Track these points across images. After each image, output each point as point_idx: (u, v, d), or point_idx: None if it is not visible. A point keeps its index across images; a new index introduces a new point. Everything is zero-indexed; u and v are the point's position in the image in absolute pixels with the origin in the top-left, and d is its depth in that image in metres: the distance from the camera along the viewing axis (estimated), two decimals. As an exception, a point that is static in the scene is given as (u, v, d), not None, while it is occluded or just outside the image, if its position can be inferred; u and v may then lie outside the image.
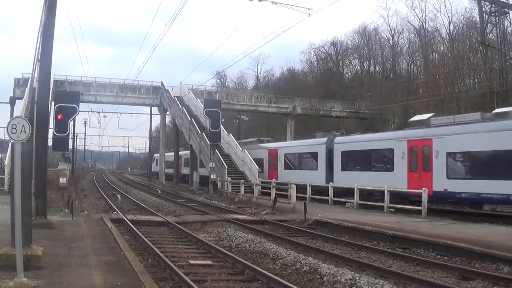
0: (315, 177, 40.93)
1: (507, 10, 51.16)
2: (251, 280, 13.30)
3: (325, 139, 42.21)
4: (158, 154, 78.93)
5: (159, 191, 51.57)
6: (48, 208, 22.97)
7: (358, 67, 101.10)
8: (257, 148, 53.54)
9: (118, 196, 42.59)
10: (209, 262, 15.55)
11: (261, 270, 13.55)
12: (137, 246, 18.10)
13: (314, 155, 43.15)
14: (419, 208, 28.00)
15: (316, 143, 43.30)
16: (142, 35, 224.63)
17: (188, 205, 35.38)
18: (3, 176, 38.50)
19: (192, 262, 15.36)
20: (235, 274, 14.04)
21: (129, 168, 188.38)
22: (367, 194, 33.82)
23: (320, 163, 41.82)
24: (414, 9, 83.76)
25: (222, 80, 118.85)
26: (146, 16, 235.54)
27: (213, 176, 48.24)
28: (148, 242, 17.70)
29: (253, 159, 49.33)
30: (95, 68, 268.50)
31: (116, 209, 29.89)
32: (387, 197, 30.40)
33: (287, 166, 47.97)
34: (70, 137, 46.74)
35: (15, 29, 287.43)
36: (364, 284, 12.45)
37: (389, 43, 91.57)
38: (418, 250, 18.47)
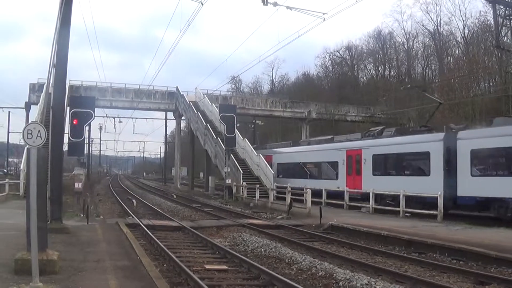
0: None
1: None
2: (267, 285, 13.30)
3: None
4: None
5: (175, 196, 51.81)
6: (64, 213, 23.04)
7: (373, 71, 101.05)
8: None
9: (134, 201, 42.66)
10: (224, 267, 15.55)
11: (277, 275, 13.53)
12: (153, 251, 18.12)
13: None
14: (435, 212, 27.88)
15: None
16: (148, 40, 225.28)
17: (204, 210, 35.41)
18: (18, 181, 38.64)
19: (207, 267, 15.34)
20: (251, 279, 14.03)
21: (144, 173, 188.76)
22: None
23: None
24: (428, 13, 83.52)
25: (237, 85, 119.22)
26: (152, 21, 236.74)
27: (228, 181, 48.22)
28: (164, 247, 17.70)
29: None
30: (103, 73, 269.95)
31: (132, 214, 29.93)
32: (402, 202, 30.29)
33: None
34: (85, 142, 46.75)
35: (27, 34, 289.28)
36: (380, 289, 12.44)
37: (404, 47, 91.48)
38: (434, 255, 18.41)
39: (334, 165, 42.28)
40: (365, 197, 35.46)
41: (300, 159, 48.53)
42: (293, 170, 49.47)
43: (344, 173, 40.37)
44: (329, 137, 47.47)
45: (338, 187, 38.89)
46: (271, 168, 50.06)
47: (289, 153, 51.57)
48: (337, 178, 41.12)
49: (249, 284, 13.44)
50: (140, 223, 24.73)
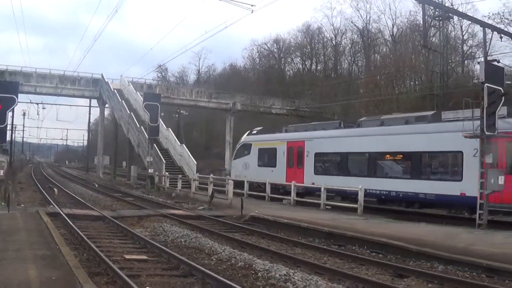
0: None
1: (451, 15, 52.41)
2: (186, 275, 13.35)
3: None
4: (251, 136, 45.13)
5: (96, 185, 51.13)
6: (-17, 201, 22.65)
7: (300, 65, 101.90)
8: None
9: (55, 189, 41.92)
10: (144, 257, 15.56)
11: (196, 265, 13.61)
12: (73, 240, 17.97)
13: None
14: (355, 205, 28.28)
15: None
16: (75, 25, 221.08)
17: (125, 200, 35.20)
18: None
19: (127, 257, 15.33)
20: (170, 269, 14.05)
21: (67, 161, 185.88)
22: None
23: None
24: (358, 10, 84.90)
25: (163, 74, 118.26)
26: (79, 5, 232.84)
27: (150, 171, 48.05)
28: (84, 237, 17.61)
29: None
30: (28, 58, 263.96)
31: (53, 203, 29.49)
32: (323, 195, 30.65)
33: None
34: (8, 128, 45.82)
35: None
36: (298, 280, 12.61)
37: (332, 43, 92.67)
38: (353, 247, 18.76)
39: (453, 157, 27.76)
40: None
41: (365, 147, 32.14)
42: (352, 164, 34.35)
43: (475, 170, 23.04)
44: (430, 112, 31.64)
45: (463, 193, 25.35)
46: (305, 159, 36.44)
47: (341, 138, 34.50)
48: (461, 179, 26.03)
49: (169, 274, 13.46)
50: (61, 212, 24.44)
